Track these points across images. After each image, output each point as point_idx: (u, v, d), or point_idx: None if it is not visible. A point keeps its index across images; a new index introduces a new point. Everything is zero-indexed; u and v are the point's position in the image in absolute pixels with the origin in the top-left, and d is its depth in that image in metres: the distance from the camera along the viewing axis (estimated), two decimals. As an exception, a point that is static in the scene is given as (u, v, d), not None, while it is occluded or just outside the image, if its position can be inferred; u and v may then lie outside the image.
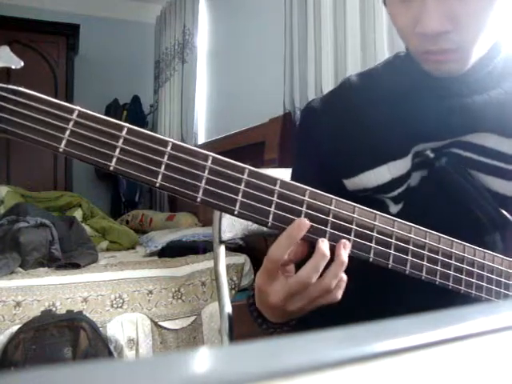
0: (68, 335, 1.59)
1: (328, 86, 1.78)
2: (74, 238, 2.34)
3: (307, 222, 0.48)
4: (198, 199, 0.46)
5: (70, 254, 2.17)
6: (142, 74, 4.28)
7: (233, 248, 2.14)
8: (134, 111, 4.10)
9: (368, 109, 0.66)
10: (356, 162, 0.66)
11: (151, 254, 2.36)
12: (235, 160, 0.49)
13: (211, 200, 0.46)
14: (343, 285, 0.51)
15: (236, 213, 0.47)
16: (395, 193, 0.65)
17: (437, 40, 0.54)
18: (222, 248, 0.99)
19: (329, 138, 0.69)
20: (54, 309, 1.68)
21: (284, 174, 1.00)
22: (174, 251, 2.22)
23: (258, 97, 2.56)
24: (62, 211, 3.08)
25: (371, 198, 0.68)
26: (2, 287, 1.69)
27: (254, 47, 2.67)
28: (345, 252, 0.49)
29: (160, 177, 0.45)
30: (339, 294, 0.52)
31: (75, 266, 2.01)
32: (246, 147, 2.44)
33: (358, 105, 0.68)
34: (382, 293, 0.63)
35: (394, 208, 0.65)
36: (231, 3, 3.05)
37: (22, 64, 0.52)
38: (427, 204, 0.64)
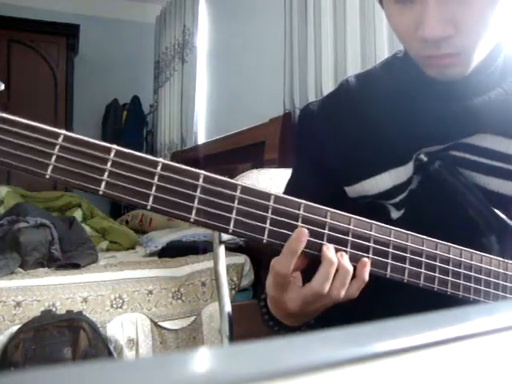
0: (68, 335, 1.59)
1: (328, 86, 1.78)
2: (73, 238, 2.34)
3: (305, 231, 0.48)
4: (191, 220, 0.45)
5: (69, 254, 2.17)
6: (142, 74, 4.28)
7: (233, 248, 2.14)
8: (134, 111, 4.10)
9: (368, 113, 0.66)
10: (357, 169, 0.65)
11: (151, 254, 2.36)
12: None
13: (204, 220, 0.46)
14: (359, 282, 0.51)
15: (230, 231, 0.47)
16: (397, 199, 0.64)
17: (439, 45, 0.54)
18: (222, 248, 0.99)
19: (329, 143, 0.68)
20: (53, 309, 1.68)
21: (284, 173, 1.00)
22: (174, 251, 2.21)
23: (258, 97, 2.56)
24: (62, 211, 3.08)
25: (372, 203, 0.68)
26: (2, 287, 1.69)
27: (253, 47, 2.67)
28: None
29: (151, 199, 0.44)
30: (356, 292, 0.52)
31: (75, 266, 2.01)
32: (245, 147, 2.44)
33: (358, 109, 0.67)
34: (382, 294, 0.63)
35: (396, 214, 0.65)
36: (231, 3, 3.05)
37: (3, 88, 0.50)
38: (425, 208, 0.64)
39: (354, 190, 0.66)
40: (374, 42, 1.59)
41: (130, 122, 4.04)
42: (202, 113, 3.42)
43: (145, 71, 4.28)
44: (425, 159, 0.61)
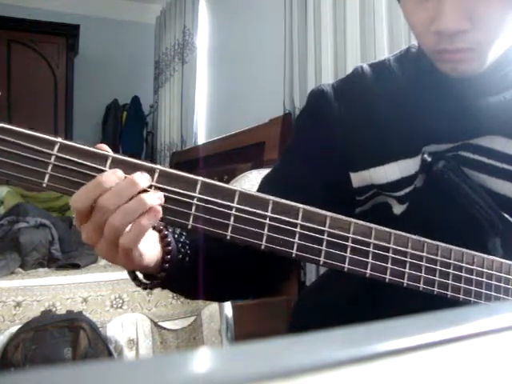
0: (68, 335, 1.59)
1: (328, 86, 1.78)
2: (73, 238, 2.34)
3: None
4: (189, 226, 0.46)
5: (69, 255, 2.16)
6: (142, 75, 4.27)
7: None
8: (134, 112, 4.10)
9: (380, 102, 0.65)
10: (367, 155, 0.64)
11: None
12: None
13: (202, 226, 0.46)
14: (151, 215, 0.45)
15: (228, 238, 0.46)
16: (402, 192, 0.63)
17: (453, 39, 0.53)
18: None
19: (341, 125, 0.66)
20: (53, 309, 1.68)
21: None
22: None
23: (258, 97, 2.56)
24: (62, 211, 3.08)
25: (374, 199, 0.67)
26: (2, 287, 1.69)
27: (253, 47, 2.67)
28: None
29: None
30: (142, 229, 0.46)
31: (75, 266, 2.01)
32: (246, 147, 2.43)
33: (371, 97, 0.66)
34: (372, 293, 0.63)
35: (398, 208, 0.64)
36: (231, 3, 3.05)
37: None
38: (429, 208, 0.63)
39: (361, 178, 0.65)
40: (374, 42, 1.59)
41: (130, 123, 4.04)
42: (202, 113, 3.42)
43: (145, 71, 4.28)
44: (428, 159, 0.61)
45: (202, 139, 3.38)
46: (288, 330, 0.77)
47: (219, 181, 0.48)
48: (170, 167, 0.47)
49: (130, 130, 4.02)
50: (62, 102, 3.70)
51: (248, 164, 2.23)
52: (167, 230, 0.56)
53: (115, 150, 0.46)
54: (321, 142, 0.68)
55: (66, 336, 1.59)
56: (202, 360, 0.16)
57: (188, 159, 3.25)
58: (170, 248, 0.54)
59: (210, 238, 0.51)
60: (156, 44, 4.25)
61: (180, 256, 0.56)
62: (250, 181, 1.78)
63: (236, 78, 2.91)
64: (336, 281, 0.73)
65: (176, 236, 0.57)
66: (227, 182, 2.02)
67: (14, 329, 1.58)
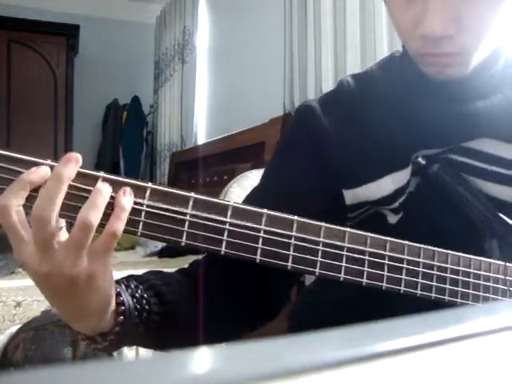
0: (68, 335, 1.59)
1: (328, 86, 1.78)
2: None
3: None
4: (182, 244, 0.45)
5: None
6: (142, 74, 4.27)
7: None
8: (134, 111, 4.10)
9: (367, 115, 0.64)
10: (359, 172, 0.63)
11: (151, 255, 2.36)
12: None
13: (196, 243, 0.46)
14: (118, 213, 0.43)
15: (222, 253, 0.46)
16: (396, 204, 0.62)
17: (439, 43, 0.52)
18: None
19: (330, 141, 0.64)
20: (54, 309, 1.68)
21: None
22: (173, 251, 2.22)
23: (258, 97, 2.56)
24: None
25: (366, 213, 0.66)
26: (1, 287, 1.69)
27: (253, 47, 2.67)
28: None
29: (140, 226, 0.44)
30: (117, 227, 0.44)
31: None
32: (246, 147, 2.43)
33: (358, 110, 0.65)
34: (371, 294, 0.62)
35: (393, 218, 0.63)
36: (231, 3, 3.05)
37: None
38: (424, 211, 0.62)
39: (355, 195, 0.63)
40: (374, 42, 1.59)
41: (130, 123, 4.04)
42: (202, 113, 3.42)
43: (145, 71, 4.28)
44: (423, 162, 0.60)
45: (201, 139, 3.38)
46: (287, 330, 0.77)
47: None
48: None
49: (129, 130, 4.02)
50: (61, 102, 3.70)
51: (248, 164, 2.23)
52: (120, 287, 0.52)
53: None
54: (314, 157, 0.66)
55: (66, 336, 1.59)
56: (202, 360, 0.16)
57: (188, 159, 3.25)
58: (123, 308, 0.50)
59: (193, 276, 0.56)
60: (156, 44, 4.25)
61: (136, 313, 0.52)
62: (249, 181, 1.78)
63: (236, 78, 2.91)
64: (335, 281, 0.73)
65: (131, 290, 0.53)
66: (227, 181, 2.02)
67: (14, 328, 1.58)
